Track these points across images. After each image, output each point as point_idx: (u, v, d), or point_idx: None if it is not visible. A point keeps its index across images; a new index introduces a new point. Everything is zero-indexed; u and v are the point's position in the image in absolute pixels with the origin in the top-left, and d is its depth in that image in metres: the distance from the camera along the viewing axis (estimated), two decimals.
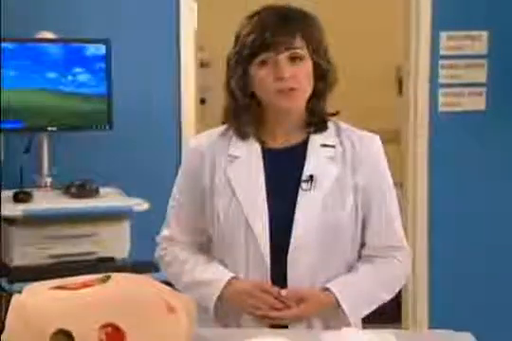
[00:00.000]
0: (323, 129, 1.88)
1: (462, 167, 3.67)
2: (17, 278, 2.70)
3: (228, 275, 1.83)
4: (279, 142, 1.89)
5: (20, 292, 1.54)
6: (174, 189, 1.96)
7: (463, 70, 3.64)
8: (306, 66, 1.81)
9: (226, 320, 1.86)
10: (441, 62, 3.62)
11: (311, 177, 1.83)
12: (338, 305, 1.80)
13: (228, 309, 1.84)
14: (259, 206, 1.82)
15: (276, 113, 1.85)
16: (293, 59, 1.79)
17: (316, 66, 1.83)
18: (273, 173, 1.85)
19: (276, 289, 1.79)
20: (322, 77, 1.85)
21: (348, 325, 1.82)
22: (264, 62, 1.79)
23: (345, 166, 1.85)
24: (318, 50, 1.83)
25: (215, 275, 1.85)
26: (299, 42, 1.79)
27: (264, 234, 1.81)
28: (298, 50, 1.79)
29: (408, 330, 3.54)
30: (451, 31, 3.60)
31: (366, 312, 1.87)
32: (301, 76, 1.80)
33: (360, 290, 1.84)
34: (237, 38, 1.83)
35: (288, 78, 1.78)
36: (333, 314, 1.83)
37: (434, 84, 3.62)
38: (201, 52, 4.39)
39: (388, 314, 3.45)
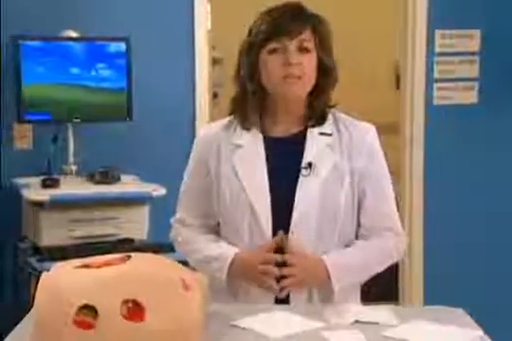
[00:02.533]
0: (322, 123, 1.88)
1: (455, 156, 3.66)
2: (46, 258, 2.71)
3: (233, 251, 1.83)
4: (280, 131, 1.89)
5: (48, 270, 1.55)
6: (185, 176, 1.97)
7: (456, 66, 3.62)
8: (312, 58, 1.82)
9: (236, 291, 1.86)
10: (436, 58, 3.61)
11: (310, 164, 1.83)
12: (326, 270, 1.79)
13: (236, 281, 1.84)
14: (261, 190, 1.83)
15: (280, 101, 1.85)
16: (301, 50, 1.80)
17: (320, 62, 1.84)
18: (274, 160, 1.86)
19: (275, 256, 1.79)
20: (325, 73, 1.85)
21: (350, 295, 1.84)
22: (274, 50, 1.80)
23: (342, 152, 1.86)
24: (324, 47, 1.84)
25: (222, 250, 1.85)
26: (308, 34, 1.81)
27: (266, 216, 1.82)
28: (306, 41, 1.80)
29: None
30: (446, 30, 3.59)
31: (353, 279, 1.86)
32: (306, 65, 1.80)
33: (349, 258, 1.84)
34: (251, 30, 1.85)
35: (295, 64, 1.78)
36: (328, 289, 1.83)
37: (430, 79, 3.61)
38: (213, 51, 4.38)
39: (386, 293, 3.46)
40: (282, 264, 1.80)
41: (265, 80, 1.83)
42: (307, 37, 1.80)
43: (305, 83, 1.82)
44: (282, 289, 1.79)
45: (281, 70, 1.79)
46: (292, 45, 1.79)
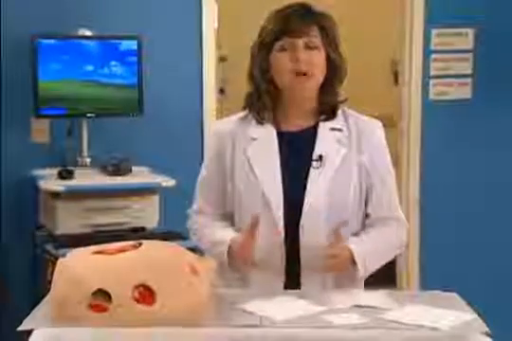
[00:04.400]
0: (333, 117, 1.89)
1: (449, 148, 3.66)
2: (62, 245, 2.72)
3: (230, 235, 1.83)
4: (292, 126, 1.89)
5: (64, 256, 1.55)
6: (202, 169, 1.97)
7: (451, 63, 3.61)
8: (320, 55, 1.82)
9: (246, 277, 1.87)
10: (432, 56, 3.60)
11: (321, 157, 1.84)
12: (353, 261, 1.79)
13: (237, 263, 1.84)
14: (274, 181, 1.83)
15: (291, 96, 1.85)
16: (309, 47, 1.80)
17: (328, 58, 1.83)
18: (287, 153, 1.86)
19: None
20: (333, 69, 1.86)
21: (357, 282, 1.84)
22: (283, 48, 1.81)
23: (351, 147, 1.86)
24: (331, 44, 1.84)
25: (225, 235, 1.85)
26: (315, 32, 1.81)
27: (278, 206, 1.82)
28: (314, 39, 1.80)
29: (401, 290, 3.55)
30: (441, 29, 3.58)
31: (375, 267, 1.86)
32: (314, 62, 1.81)
33: (370, 248, 1.84)
34: (261, 31, 1.85)
35: (303, 60, 1.79)
36: (345, 273, 1.83)
37: (426, 76, 3.60)
38: (220, 49, 4.36)
39: (384, 278, 3.46)
40: (289, 249, 1.81)
41: (276, 76, 1.83)
42: (315, 34, 1.81)
43: (314, 79, 1.82)
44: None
45: (289, 66, 1.80)
46: (300, 43, 1.79)
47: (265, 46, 1.82)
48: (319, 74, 1.83)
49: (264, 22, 1.86)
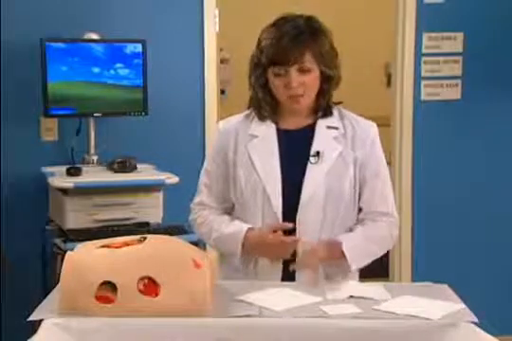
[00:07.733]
0: (329, 115, 1.89)
1: (440, 147, 3.65)
2: (70, 239, 2.71)
3: (245, 227, 1.84)
4: (291, 124, 1.91)
5: (72, 250, 1.55)
6: (205, 164, 1.98)
7: (442, 65, 3.61)
8: (313, 75, 1.83)
9: (246, 270, 1.87)
10: (423, 58, 3.59)
11: (318, 153, 1.84)
12: (343, 255, 1.80)
13: (248, 254, 1.85)
14: (274, 176, 1.84)
15: (288, 107, 1.88)
16: (302, 71, 1.80)
17: (323, 73, 1.84)
18: (286, 150, 1.87)
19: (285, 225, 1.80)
20: (328, 80, 1.86)
21: (347, 275, 1.83)
22: (277, 73, 1.81)
23: (346, 144, 1.88)
24: (324, 61, 1.83)
25: (236, 228, 1.86)
26: (308, 57, 1.80)
27: (277, 199, 1.83)
28: (305, 64, 1.80)
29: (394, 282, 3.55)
30: (432, 33, 3.57)
31: (364, 263, 1.87)
32: (307, 84, 1.82)
33: (359, 244, 1.84)
34: (258, 43, 1.85)
35: (296, 86, 1.79)
36: (336, 265, 1.83)
37: (418, 77, 3.59)
38: (221, 52, 4.35)
39: (377, 270, 3.46)
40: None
41: (273, 92, 1.85)
42: (307, 59, 1.80)
43: (307, 99, 1.85)
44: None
45: (284, 91, 1.81)
46: (293, 70, 1.79)
47: (261, 67, 1.83)
48: (312, 92, 1.85)
49: (260, 35, 1.85)
